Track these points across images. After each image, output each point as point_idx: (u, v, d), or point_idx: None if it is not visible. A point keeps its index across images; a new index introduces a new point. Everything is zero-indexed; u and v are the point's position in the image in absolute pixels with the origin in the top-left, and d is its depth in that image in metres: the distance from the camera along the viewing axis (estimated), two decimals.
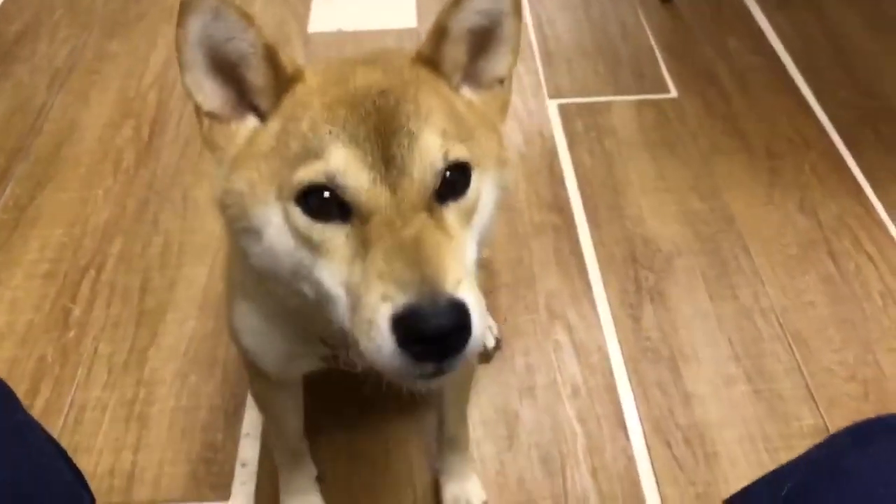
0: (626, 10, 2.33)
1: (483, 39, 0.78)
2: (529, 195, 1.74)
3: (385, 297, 0.61)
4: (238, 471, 1.27)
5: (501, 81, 0.81)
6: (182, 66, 0.73)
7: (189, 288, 1.53)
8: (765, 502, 0.66)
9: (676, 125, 1.92)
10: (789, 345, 1.45)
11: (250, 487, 1.25)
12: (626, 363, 1.42)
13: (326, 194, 0.67)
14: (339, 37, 2.21)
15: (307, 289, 0.70)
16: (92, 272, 1.57)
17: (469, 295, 0.63)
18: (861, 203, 1.71)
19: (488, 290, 1.51)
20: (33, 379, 1.39)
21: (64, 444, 1.27)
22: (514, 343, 1.45)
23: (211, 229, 1.65)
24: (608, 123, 1.94)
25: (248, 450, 1.29)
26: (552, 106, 1.98)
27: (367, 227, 0.66)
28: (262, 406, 1.15)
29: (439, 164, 0.68)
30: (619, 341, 1.46)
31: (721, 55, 2.14)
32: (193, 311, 1.49)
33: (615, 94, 2.03)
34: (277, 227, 0.69)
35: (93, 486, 1.23)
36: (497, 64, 0.80)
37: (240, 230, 0.73)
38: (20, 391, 1.35)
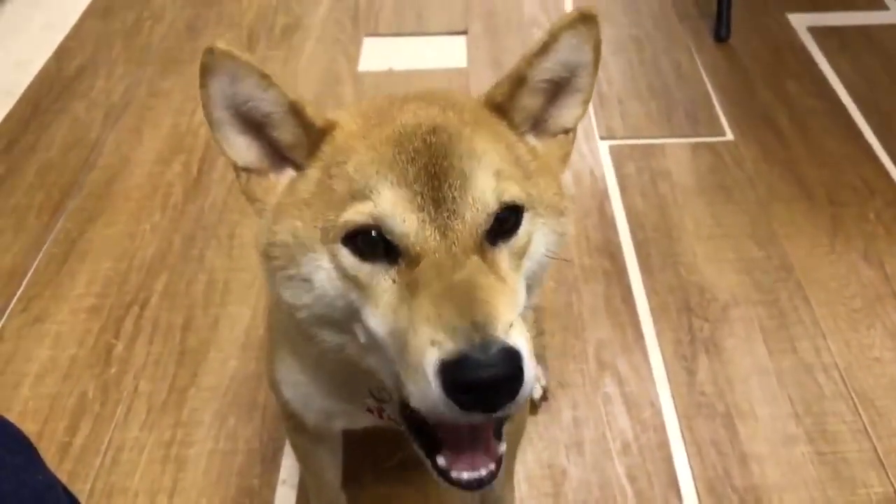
0: (679, 51, 2.28)
1: (558, 89, 0.76)
2: (579, 239, 1.69)
3: (433, 342, 0.59)
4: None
5: (567, 131, 0.79)
6: (211, 124, 0.72)
7: (232, 327, 1.52)
8: None
9: (733, 169, 1.86)
10: (854, 404, 1.37)
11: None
12: (679, 419, 1.35)
13: (374, 234, 0.65)
14: (390, 76, 2.21)
15: (360, 332, 0.68)
16: (136, 308, 1.57)
17: (521, 340, 0.60)
18: None
19: (535, 335, 1.46)
20: (73, 416, 1.37)
21: (100, 484, 1.27)
22: (562, 395, 1.39)
23: (255, 269, 1.63)
24: (662, 166, 1.89)
25: (285, 498, 1.25)
26: (604, 147, 1.94)
27: (416, 270, 0.63)
28: (301, 458, 1.12)
29: (492, 207, 0.66)
30: (673, 395, 1.39)
31: (779, 98, 2.07)
32: (235, 351, 1.47)
33: (669, 136, 1.98)
34: (327, 270, 0.67)
35: None
36: (567, 114, 0.78)
37: (286, 279, 0.70)
38: (60, 428, 1.35)
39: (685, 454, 1.30)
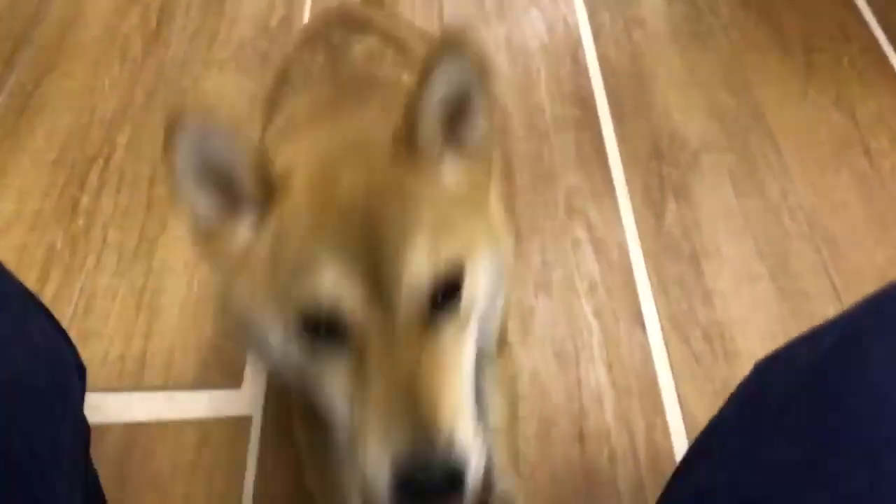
0: None
1: (457, 106, 0.71)
2: (551, 87, 1.66)
3: (384, 441, 0.63)
4: (250, 359, 1.26)
5: (484, 147, 0.75)
6: (174, 192, 0.68)
7: None
8: (804, 359, 0.63)
9: (708, 17, 1.82)
10: (817, 244, 1.40)
11: (262, 376, 1.24)
12: (646, 260, 1.38)
13: (322, 315, 0.65)
14: None
15: (318, 400, 0.70)
16: (100, 161, 1.54)
17: (464, 441, 0.63)
18: None
19: (508, 195, 1.46)
20: (43, 266, 1.37)
21: (74, 330, 1.28)
22: (532, 240, 1.40)
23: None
24: (636, 14, 1.84)
25: None
26: None
27: (364, 354, 0.65)
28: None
29: (427, 279, 0.66)
30: (640, 238, 1.41)
31: None
32: None
33: None
34: (280, 337, 0.68)
35: (103, 371, 1.25)
36: (474, 129, 0.73)
37: (249, 334, 0.71)
38: (30, 277, 1.35)
39: (651, 292, 1.33)
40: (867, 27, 1.77)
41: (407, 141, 0.71)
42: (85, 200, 1.47)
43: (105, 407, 1.20)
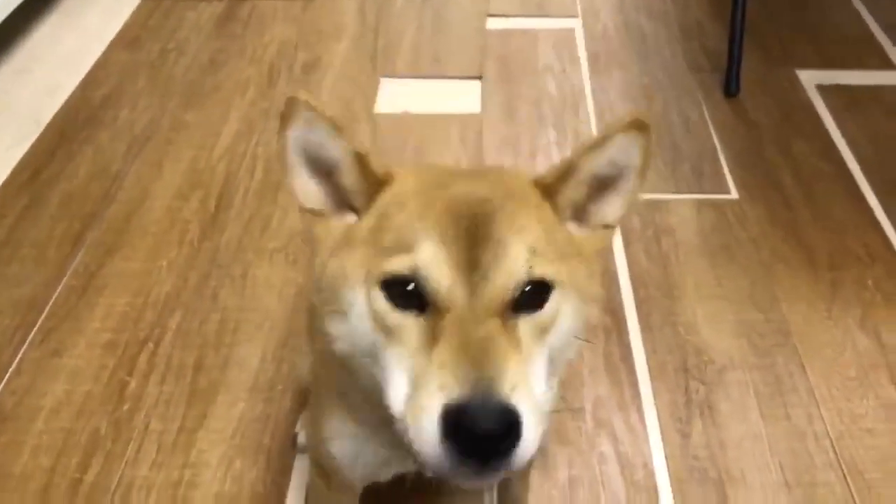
0: (689, 104, 2.33)
1: (603, 185, 0.82)
2: None
3: (441, 387, 0.64)
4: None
5: (607, 227, 0.84)
6: (284, 168, 0.81)
7: (241, 369, 1.56)
8: None
9: (737, 229, 1.90)
10: (843, 475, 1.40)
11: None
12: (671, 482, 1.39)
13: (410, 286, 0.70)
14: (405, 119, 2.27)
15: (376, 371, 0.72)
16: (150, 345, 1.62)
17: (524, 403, 0.64)
18: None
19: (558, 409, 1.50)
20: (85, 452, 1.42)
21: None
22: (559, 452, 1.43)
23: (267, 309, 1.69)
24: (666, 222, 1.93)
25: None
26: None
27: (441, 322, 0.68)
28: None
29: (522, 277, 0.71)
30: (666, 457, 1.43)
31: (786, 158, 2.11)
32: (243, 393, 1.52)
33: (674, 191, 2.02)
34: (360, 308, 0.73)
35: None
36: (609, 210, 0.83)
37: (328, 313, 0.77)
38: (72, 463, 1.41)
39: None
40: (892, 249, 1.84)
41: (549, 188, 0.79)
42: (132, 385, 1.54)
43: None
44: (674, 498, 1.37)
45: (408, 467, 0.98)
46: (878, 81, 2.41)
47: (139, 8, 2.75)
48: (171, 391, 1.53)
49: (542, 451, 1.41)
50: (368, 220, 0.78)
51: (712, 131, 2.22)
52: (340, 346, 0.76)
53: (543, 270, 0.72)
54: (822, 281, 1.76)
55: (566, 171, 0.80)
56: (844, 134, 2.19)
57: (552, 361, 0.74)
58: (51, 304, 1.70)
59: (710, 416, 1.50)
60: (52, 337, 1.63)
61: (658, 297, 1.73)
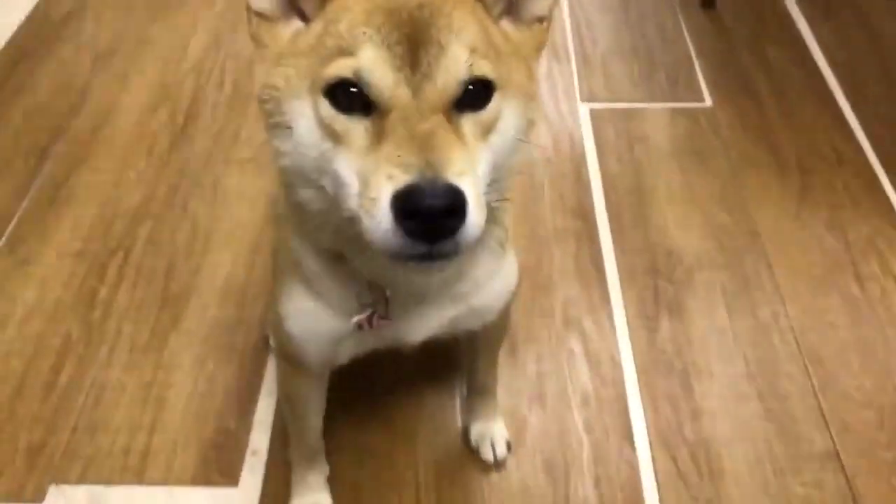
0: (666, 14, 2.30)
1: None
2: (554, 199, 1.74)
3: (390, 177, 0.66)
4: (248, 459, 1.29)
5: (542, 20, 0.84)
6: None
7: (213, 275, 1.57)
8: None
9: (709, 135, 1.90)
10: (805, 366, 1.43)
11: (259, 476, 1.27)
12: (638, 375, 1.42)
13: (353, 89, 0.71)
14: None
15: (327, 182, 0.74)
16: (120, 254, 1.61)
17: (468, 186, 0.67)
18: (893, 225, 1.68)
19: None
20: (59, 355, 1.43)
21: (83, 421, 1.33)
22: (528, 349, 1.45)
23: (238, 218, 1.68)
24: (640, 130, 1.92)
25: (260, 439, 1.32)
26: (584, 110, 1.98)
27: (386, 122, 0.70)
28: (290, 403, 1.16)
29: (462, 76, 0.72)
30: (633, 352, 1.46)
31: (760, 65, 2.10)
32: (216, 298, 1.53)
33: (649, 100, 2.01)
34: (307, 119, 0.74)
35: (107, 463, 1.29)
36: (538, 3, 0.83)
37: (273, 127, 0.77)
38: (45, 367, 1.41)
39: (641, 408, 1.37)
40: (862, 152, 1.84)
41: None
42: (103, 292, 1.54)
43: (106, 500, 1.24)
44: (639, 389, 1.40)
45: (363, 348, 1.00)
46: None
47: None
48: (143, 297, 1.53)
49: (511, 346, 1.44)
50: (316, 26, 0.77)
51: (688, 40, 2.20)
52: (287, 161, 0.77)
53: (483, 70, 0.73)
54: (791, 184, 1.77)
55: None
56: (819, 40, 2.17)
57: (498, 167, 0.77)
58: (18, 214, 1.69)
59: (677, 314, 1.52)
60: (21, 247, 1.62)
61: (629, 201, 1.74)
